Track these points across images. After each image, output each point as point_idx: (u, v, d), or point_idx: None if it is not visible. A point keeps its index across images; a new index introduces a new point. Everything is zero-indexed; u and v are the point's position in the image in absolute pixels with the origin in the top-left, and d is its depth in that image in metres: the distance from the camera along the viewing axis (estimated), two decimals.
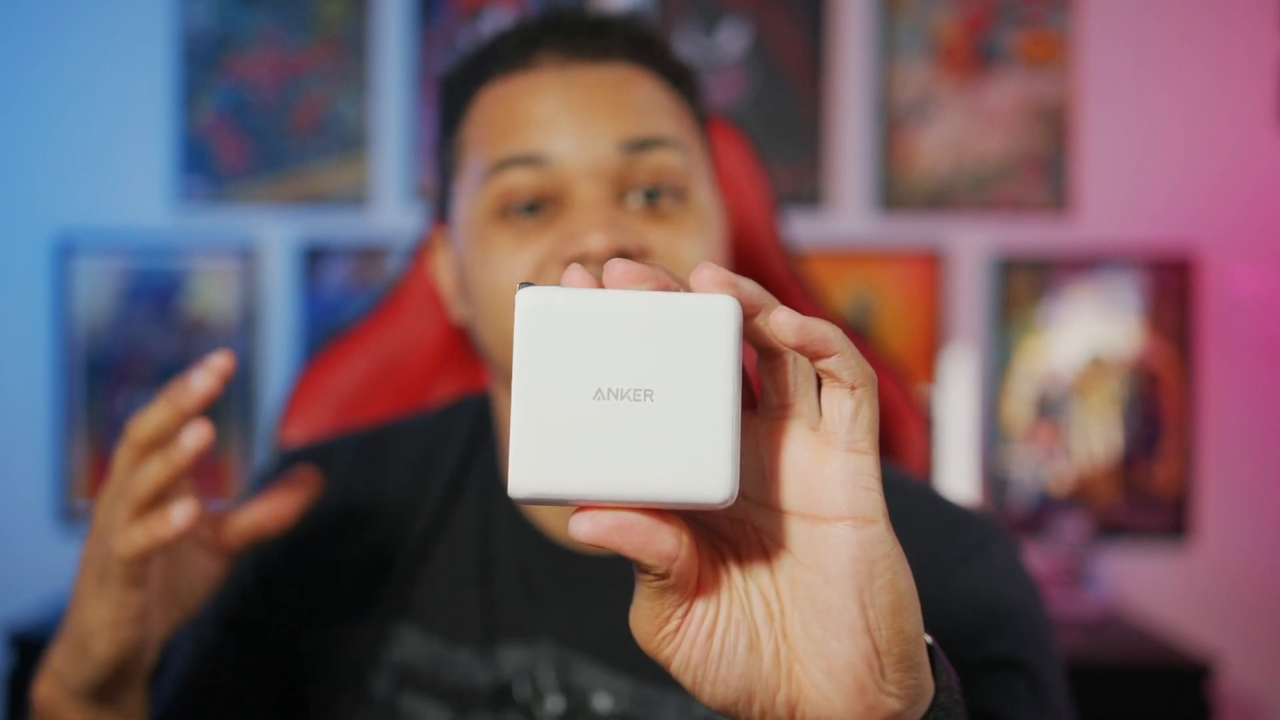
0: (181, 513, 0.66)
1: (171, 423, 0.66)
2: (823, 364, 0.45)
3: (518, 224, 0.79)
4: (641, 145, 0.79)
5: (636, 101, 0.80)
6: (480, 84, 0.84)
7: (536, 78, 0.81)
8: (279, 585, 0.88)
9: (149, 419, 0.67)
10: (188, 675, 0.87)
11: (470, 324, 0.86)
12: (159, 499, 0.67)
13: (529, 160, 0.79)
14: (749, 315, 0.45)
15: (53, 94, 2.30)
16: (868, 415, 0.45)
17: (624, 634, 0.53)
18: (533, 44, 0.83)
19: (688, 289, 0.45)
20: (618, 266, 0.44)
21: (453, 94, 0.87)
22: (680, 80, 0.85)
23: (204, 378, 0.66)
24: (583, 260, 0.75)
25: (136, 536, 0.66)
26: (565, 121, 0.79)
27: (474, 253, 0.82)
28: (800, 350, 0.44)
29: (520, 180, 0.79)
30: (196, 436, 0.66)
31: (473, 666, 0.83)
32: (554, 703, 0.82)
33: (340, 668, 0.86)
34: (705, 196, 0.82)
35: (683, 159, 0.80)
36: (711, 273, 0.44)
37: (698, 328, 0.43)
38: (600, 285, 0.45)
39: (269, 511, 0.75)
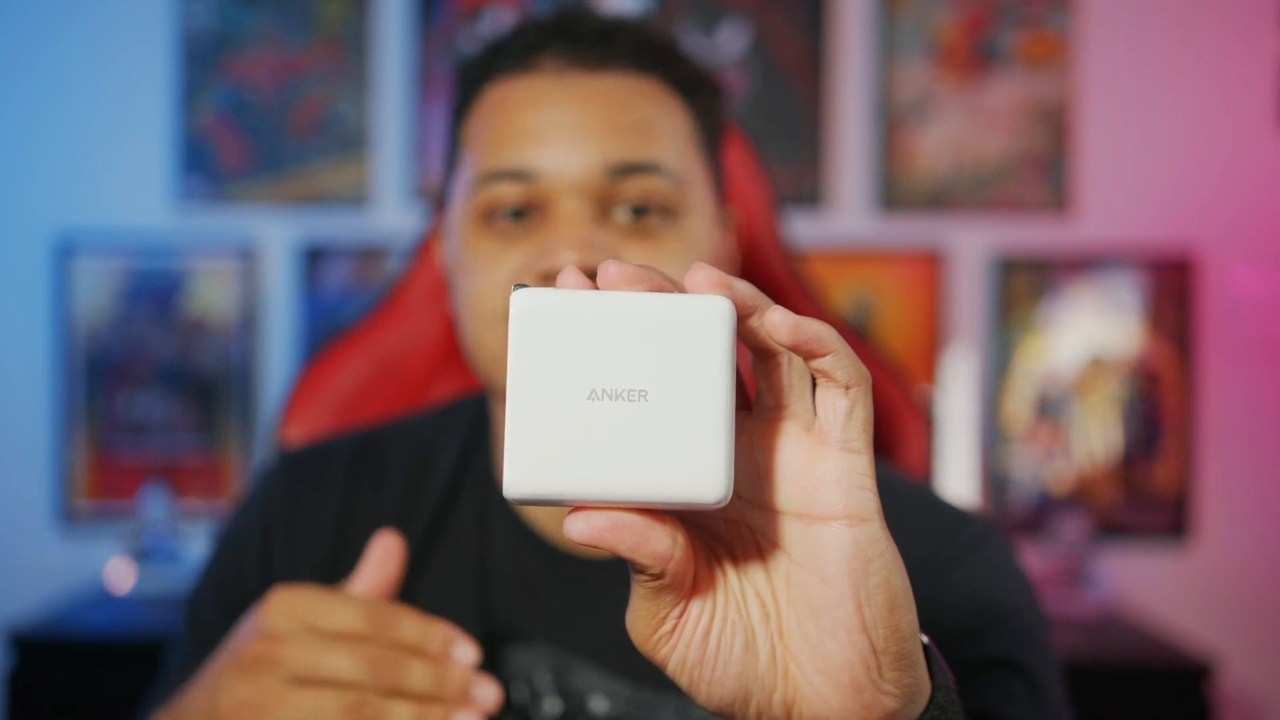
0: (489, 693, 0.70)
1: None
2: (817, 363, 0.45)
3: (501, 229, 0.80)
4: (629, 170, 0.79)
5: (631, 119, 0.80)
6: (486, 79, 0.84)
7: (535, 83, 0.81)
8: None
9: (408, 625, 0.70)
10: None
11: (456, 321, 0.87)
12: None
13: (515, 175, 0.79)
14: (743, 316, 0.45)
15: (53, 94, 2.30)
16: (862, 414, 0.45)
17: (621, 637, 0.53)
18: (536, 46, 0.82)
19: (682, 291, 0.45)
20: (611, 267, 0.44)
21: (464, 85, 0.87)
22: (692, 89, 0.84)
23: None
24: (552, 276, 0.75)
25: None
26: (554, 137, 0.79)
27: (459, 255, 0.83)
28: (795, 349, 0.44)
29: (505, 193, 0.79)
30: (485, 692, 0.71)
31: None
32: (551, 705, 0.81)
33: None
34: (699, 218, 0.82)
35: (672, 184, 0.79)
36: (705, 274, 0.44)
37: (692, 328, 0.43)
38: (594, 286, 0.45)
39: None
